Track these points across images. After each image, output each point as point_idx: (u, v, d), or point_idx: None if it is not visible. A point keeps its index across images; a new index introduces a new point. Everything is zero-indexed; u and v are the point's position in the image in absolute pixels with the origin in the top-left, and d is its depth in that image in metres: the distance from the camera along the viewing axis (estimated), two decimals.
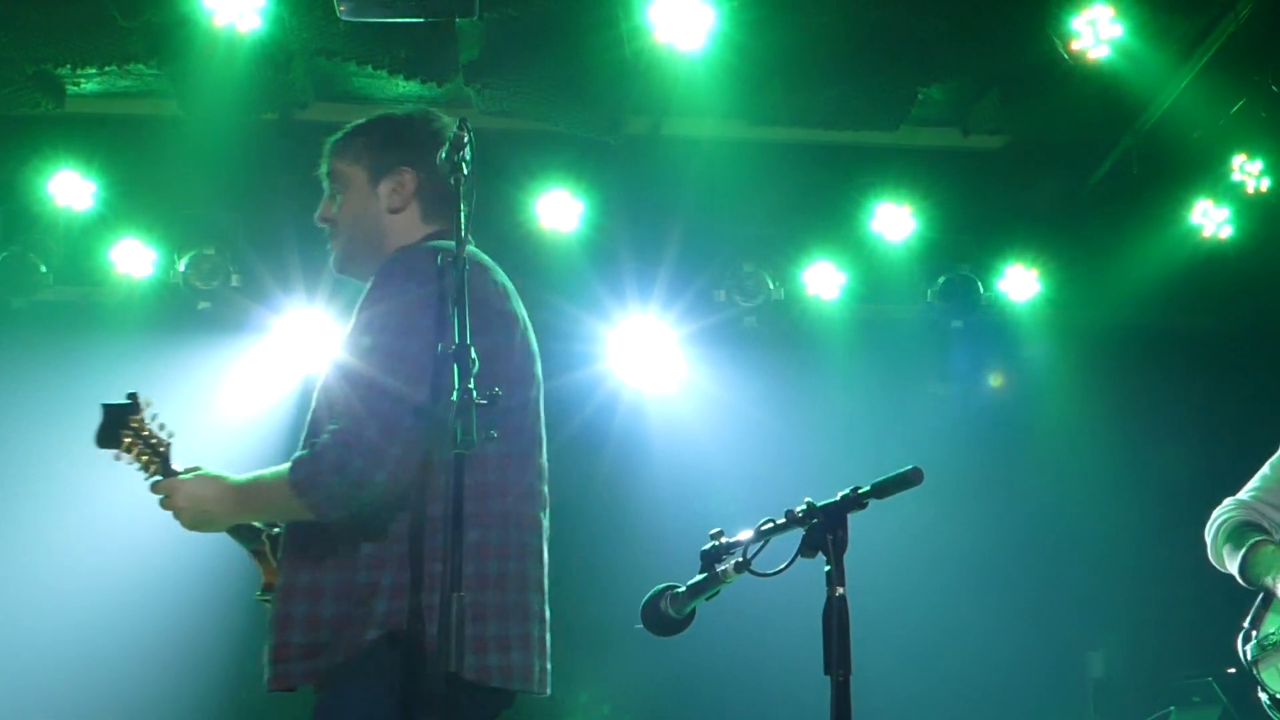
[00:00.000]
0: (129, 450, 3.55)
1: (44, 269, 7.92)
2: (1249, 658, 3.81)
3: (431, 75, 6.84)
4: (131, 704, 7.57)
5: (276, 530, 3.56)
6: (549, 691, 3.47)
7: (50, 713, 7.65)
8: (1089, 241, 8.24)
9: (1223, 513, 3.86)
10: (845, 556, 3.08)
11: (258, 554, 3.58)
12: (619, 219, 7.72)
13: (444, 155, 3.55)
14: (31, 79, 6.99)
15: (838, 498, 3.11)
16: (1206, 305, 7.97)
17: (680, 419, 8.46)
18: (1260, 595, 3.82)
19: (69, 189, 7.52)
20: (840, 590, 3.03)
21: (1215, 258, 7.73)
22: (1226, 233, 7.71)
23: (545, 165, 7.56)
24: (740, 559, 3.29)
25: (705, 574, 3.34)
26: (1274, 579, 3.65)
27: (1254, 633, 3.80)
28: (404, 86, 7.02)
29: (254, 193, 7.61)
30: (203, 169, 7.29)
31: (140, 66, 6.91)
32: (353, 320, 3.36)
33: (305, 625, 3.28)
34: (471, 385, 3.12)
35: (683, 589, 3.38)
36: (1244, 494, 3.87)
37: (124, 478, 3.65)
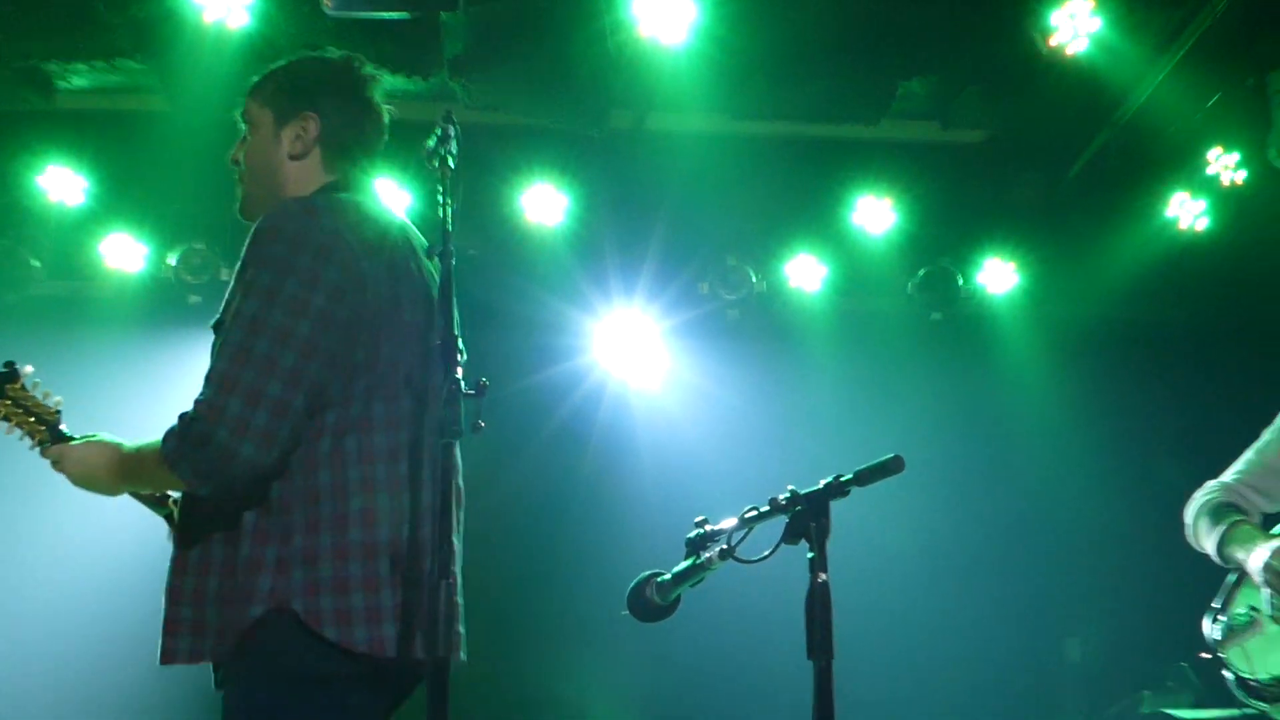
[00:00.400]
0: (8, 419, 3.51)
1: (35, 263, 7.94)
2: (1216, 638, 3.85)
3: (416, 70, 6.85)
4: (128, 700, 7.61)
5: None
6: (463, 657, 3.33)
7: (51, 708, 7.66)
8: (1067, 235, 8.27)
9: (1204, 494, 3.89)
10: (828, 543, 3.10)
11: (169, 520, 3.53)
12: (604, 213, 7.73)
13: (430, 145, 3.57)
14: (19, 74, 6.99)
15: (820, 486, 3.14)
16: (1183, 298, 7.99)
17: (665, 411, 8.47)
18: (1232, 577, 3.86)
19: (59, 184, 7.52)
20: (823, 576, 3.05)
21: (1192, 250, 7.77)
22: (1203, 225, 7.75)
23: (530, 159, 7.56)
24: (724, 546, 3.31)
25: (690, 561, 3.36)
26: (1247, 554, 3.66)
27: (1221, 615, 3.85)
28: (389, 81, 6.96)
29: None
30: (192, 164, 7.26)
31: (128, 62, 6.92)
32: (233, 281, 3.25)
33: (193, 599, 3.21)
34: (459, 376, 3.15)
35: (668, 576, 3.40)
36: (1228, 476, 3.90)
37: None
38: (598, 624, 7.54)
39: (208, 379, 3.13)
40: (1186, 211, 7.76)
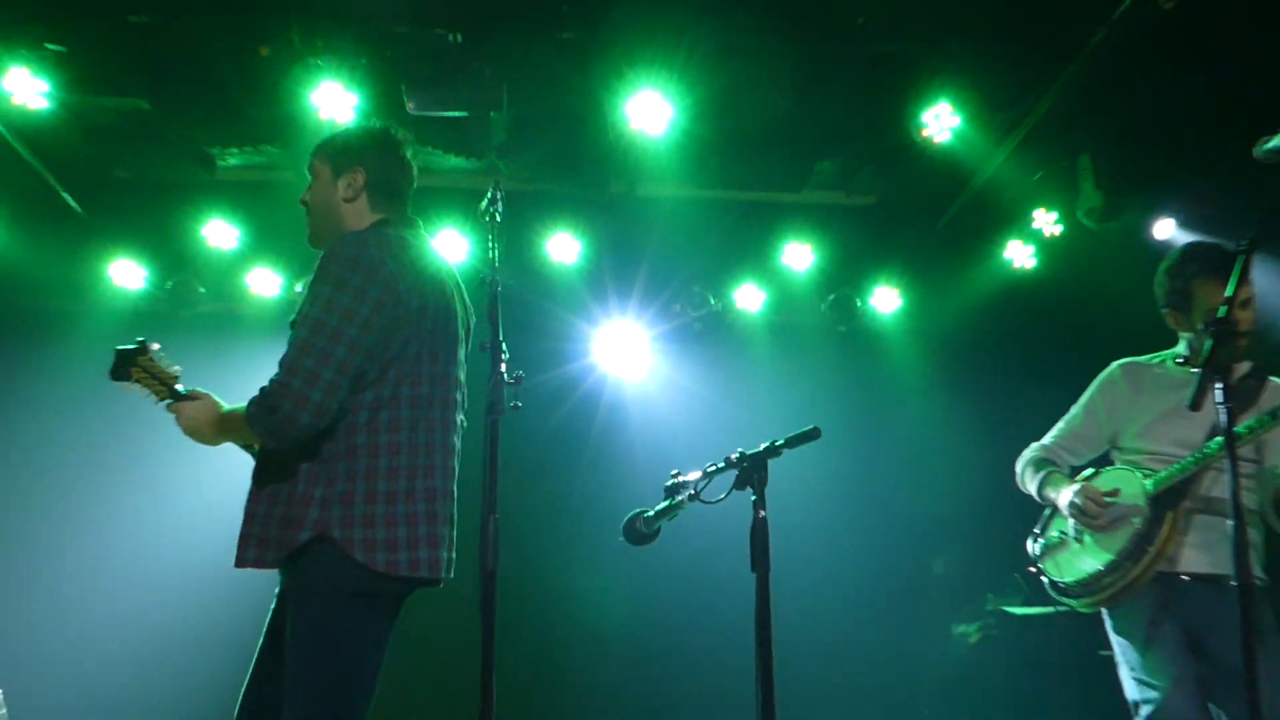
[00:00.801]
0: (138, 382, 3.49)
1: (201, 290, 7.96)
2: (1035, 554, 3.87)
3: (472, 152, 6.85)
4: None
5: None
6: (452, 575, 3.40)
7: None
8: (935, 271, 8.28)
9: (1029, 452, 3.90)
10: (765, 490, 3.14)
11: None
12: (605, 253, 7.77)
13: (483, 206, 3.59)
14: (191, 156, 6.98)
15: (760, 448, 3.22)
16: (1015, 316, 8.01)
17: (650, 397, 8.49)
18: (1047, 511, 3.87)
19: (218, 234, 7.53)
20: (762, 513, 3.13)
21: (1022, 282, 7.78)
22: (1030, 264, 7.75)
23: (554, 216, 7.58)
24: (692, 491, 3.35)
25: (667, 502, 3.39)
26: (1058, 494, 3.69)
27: (1040, 537, 3.86)
28: (453, 160, 7.03)
29: None
30: None
31: (268, 147, 6.92)
32: (310, 288, 3.29)
33: (262, 521, 3.24)
34: (503, 369, 3.19)
35: (651, 513, 3.44)
36: (1045, 440, 3.90)
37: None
38: (601, 552, 7.53)
39: (281, 364, 3.21)
40: (1019, 254, 7.76)
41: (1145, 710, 3.40)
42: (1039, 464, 3.85)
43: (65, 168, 7.10)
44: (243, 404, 3.28)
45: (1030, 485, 3.87)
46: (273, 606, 3.40)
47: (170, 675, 7.44)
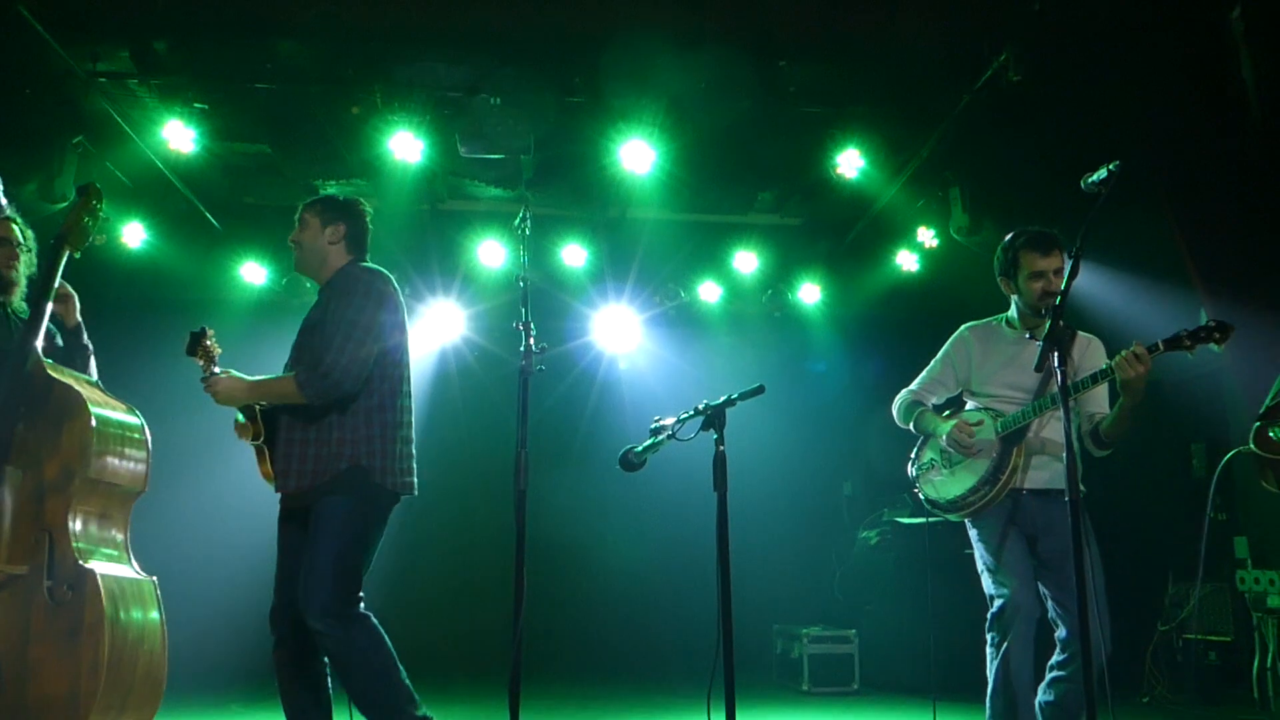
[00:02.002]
0: (201, 358, 3.44)
1: (308, 285, 7.89)
2: (913, 475, 3.81)
3: (508, 185, 6.85)
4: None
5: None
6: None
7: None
8: (845, 272, 8.28)
9: (901, 395, 3.83)
10: (724, 431, 3.15)
11: (259, 452, 3.45)
12: (606, 258, 7.75)
13: (516, 224, 3.58)
14: (299, 187, 6.96)
15: (720, 400, 3.21)
16: (902, 305, 8.02)
17: (637, 366, 8.50)
18: (920, 440, 3.81)
19: None
20: (721, 448, 3.13)
21: (907, 281, 7.78)
22: (914, 268, 7.75)
23: (568, 232, 7.57)
24: (670, 432, 3.35)
25: (651, 440, 3.40)
26: (933, 429, 3.65)
27: (915, 462, 3.81)
28: (493, 191, 7.02)
29: (416, 246, 7.58)
30: (391, 232, 7.25)
31: (358, 180, 6.89)
32: (336, 299, 3.35)
33: (299, 458, 3.30)
34: (531, 342, 3.22)
35: (640, 448, 3.43)
36: (913, 385, 3.82)
37: None
38: (603, 478, 7.56)
39: (328, 347, 3.26)
40: (906, 261, 7.74)
41: (998, 602, 3.36)
42: (911, 405, 3.78)
43: (207, 195, 7.08)
44: (275, 374, 3.39)
45: (905, 422, 3.80)
46: (282, 537, 3.42)
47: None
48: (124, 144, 6.12)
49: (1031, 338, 3.48)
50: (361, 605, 3.24)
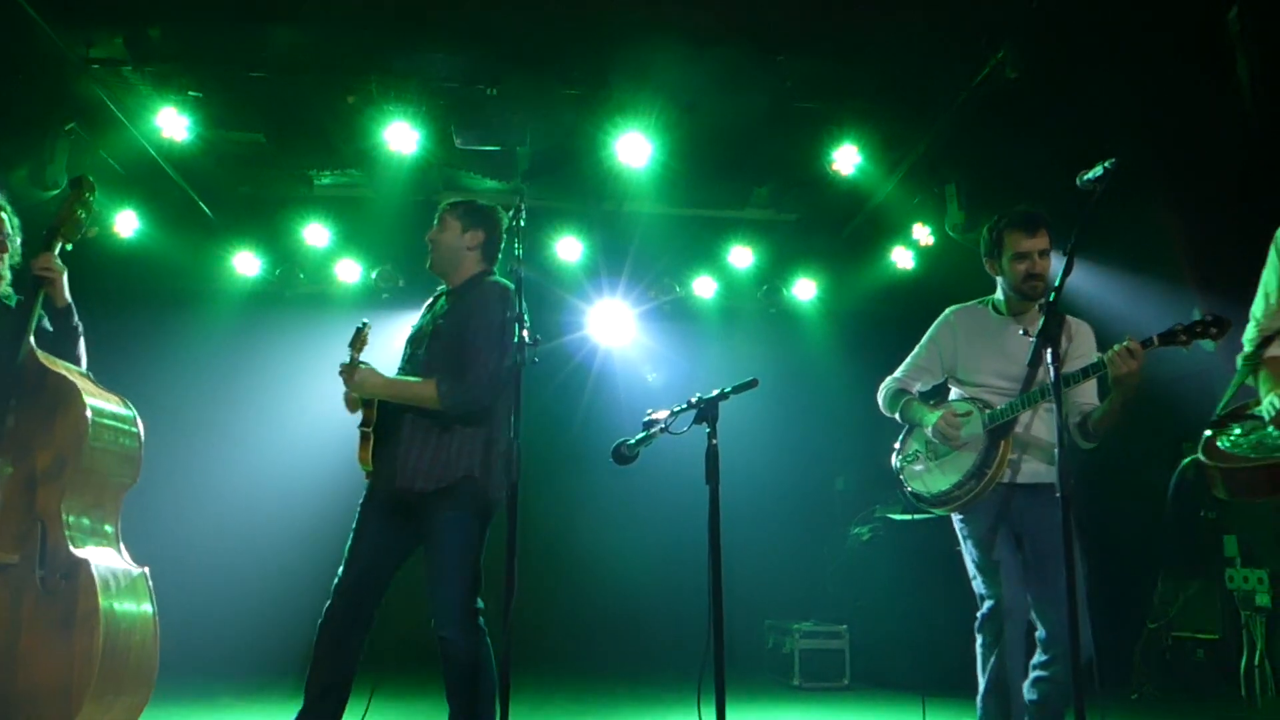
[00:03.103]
0: (357, 349, 3.50)
1: (301, 276, 7.90)
2: (897, 467, 3.72)
3: (503, 177, 6.83)
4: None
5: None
6: None
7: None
8: (841, 268, 8.29)
9: (886, 383, 3.77)
10: (717, 425, 3.15)
11: (364, 437, 3.50)
12: (601, 252, 7.73)
13: (510, 216, 3.57)
14: (295, 177, 6.96)
15: (713, 394, 3.20)
16: (898, 300, 8.01)
17: (631, 359, 8.50)
18: (905, 430, 3.73)
19: (314, 235, 7.46)
20: (714, 441, 3.12)
21: (903, 278, 7.79)
22: (910, 264, 7.75)
23: (563, 225, 7.56)
24: (663, 425, 3.34)
25: (644, 433, 3.38)
26: (919, 419, 3.58)
27: (901, 452, 3.73)
28: (489, 182, 6.99)
29: (412, 237, 7.55)
30: (386, 223, 7.27)
31: (353, 171, 6.87)
32: (478, 313, 3.44)
33: (430, 462, 3.38)
34: (524, 334, 3.24)
35: (632, 441, 3.42)
36: (897, 373, 3.76)
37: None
38: (591, 487, 7.60)
39: (474, 361, 3.39)
40: (901, 258, 7.76)
41: (989, 604, 3.33)
42: (897, 393, 3.71)
43: (201, 184, 7.04)
44: (412, 378, 3.48)
45: (891, 411, 3.73)
46: (366, 521, 3.50)
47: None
48: (117, 131, 6.08)
49: (1022, 328, 3.42)
50: (481, 619, 3.39)
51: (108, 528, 3.24)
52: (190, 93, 5.83)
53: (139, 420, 3.38)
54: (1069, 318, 3.49)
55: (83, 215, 3.42)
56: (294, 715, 3.37)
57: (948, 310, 3.72)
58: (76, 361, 3.41)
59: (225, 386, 7.86)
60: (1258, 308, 3.13)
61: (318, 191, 7.36)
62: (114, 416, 3.28)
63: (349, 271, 7.83)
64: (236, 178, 7.16)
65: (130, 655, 3.03)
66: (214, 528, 7.44)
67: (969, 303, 3.69)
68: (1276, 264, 3.08)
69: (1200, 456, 3.04)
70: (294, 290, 7.94)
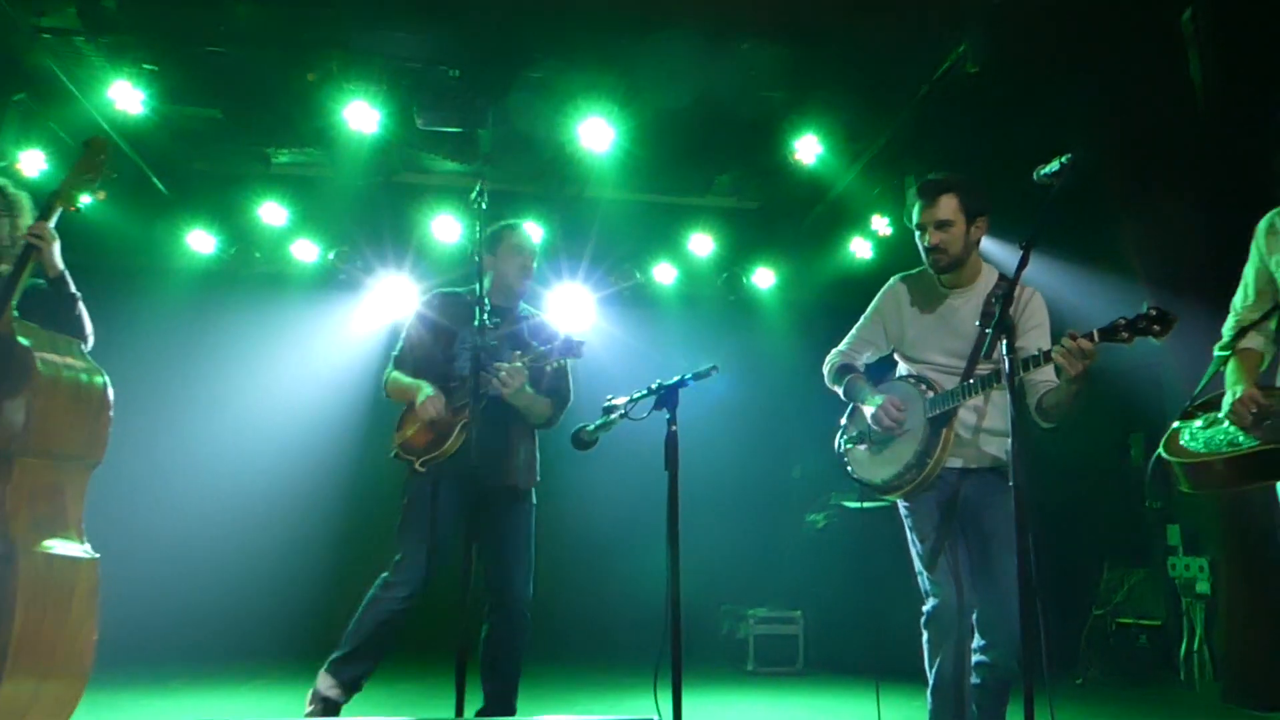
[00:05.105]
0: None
1: (258, 255, 7.79)
2: (841, 449, 3.61)
3: (465, 159, 6.76)
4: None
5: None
6: None
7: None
8: (801, 257, 8.34)
9: (831, 358, 3.68)
10: (676, 411, 3.15)
11: (463, 429, 3.72)
12: (562, 236, 7.69)
13: (472, 198, 3.56)
14: (252, 154, 6.85)
15: (673, 380, 3.19)
16: (856, 291, 8.02)
17: (590, 345, 8.42)
18: (851, 407, 3.61)
19: (271, 213, 7.33)
20: (674, 427, 3.12)
21: (860, 267, 7.83)
22: (868, 254, 7.80)
23: (524, 208, 7.47)
24: (623, 411, 3.34)
25: (603, 419, 3.39)
26: (862, 400, 3.48)
27: (845, 432, 3.61)
28: (450, 165, 6.93)
29: (371, 217, 7.50)
30: (344, 203, 7.19)
31: (311, 149, 6.78)
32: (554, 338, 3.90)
33: (525, 462, 3.96)
34: (485, 318, 3.20)
35: (592, 426, 3.43)
36: (842, 345, 3.67)
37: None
38: (549, 471, 7.53)
39: (568, 393, 4.16)
40: (860, 248, 7.81)
41: (933, 602, 3.25)
42: (842, 369, 3.60)
43: (155, 159, 6.91)
44: (540, 396, 3.96)
45: (836, 388, 3.63)
46: (444, 512, 3.74)
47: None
48: (68, 103, 5.94)
49: (967, 305, 3.33)
50: None
51: (64, 511, 3.09)
52: (145, 66, 5.70)
53: (109, 394, 3.23)
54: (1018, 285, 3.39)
55: (89, 180, 3.33)
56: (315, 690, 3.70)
57: (893, 279, 3.62)
58: (77, 330, 3.30)
59: (177, 367, 7.73)
60: (1237, 299, 3.17)
61: (275, 170, 7.25)
62: (75, 392, 3.11)
63: (306, 252, 7.72)
64: (192, 153, 7.03)
65: (59, 646, 2.92)
66: (166, 513, 7.32)
67: (915, 270, 3.58)
68: (1255, 256, 3.11)
69: (1163, 453, 3.08)
70: (249, 270, 7.81)
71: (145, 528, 7.10)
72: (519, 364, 3.71)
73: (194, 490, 7.45)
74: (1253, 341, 3.10)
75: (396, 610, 3.68)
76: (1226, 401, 2.97)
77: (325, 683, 3.69)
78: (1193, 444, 3.04)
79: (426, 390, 3.80)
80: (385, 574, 3.77)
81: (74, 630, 2.99)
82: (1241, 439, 2.92)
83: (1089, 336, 2.83)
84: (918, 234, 3.38)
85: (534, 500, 3.94)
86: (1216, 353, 3.15)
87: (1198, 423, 3.07)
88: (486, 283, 3.84)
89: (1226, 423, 2.96)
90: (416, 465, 3.75)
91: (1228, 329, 3.16)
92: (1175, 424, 3.14)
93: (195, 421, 7.68)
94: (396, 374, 4.03)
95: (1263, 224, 3.11)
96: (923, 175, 6.77)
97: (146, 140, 6.61)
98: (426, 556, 3.66)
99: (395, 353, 4.10)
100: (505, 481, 3.77)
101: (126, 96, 5.75)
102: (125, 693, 5.46)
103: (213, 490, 7.46)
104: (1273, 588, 5.15)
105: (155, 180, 7.05)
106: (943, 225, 3.31)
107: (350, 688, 3.71)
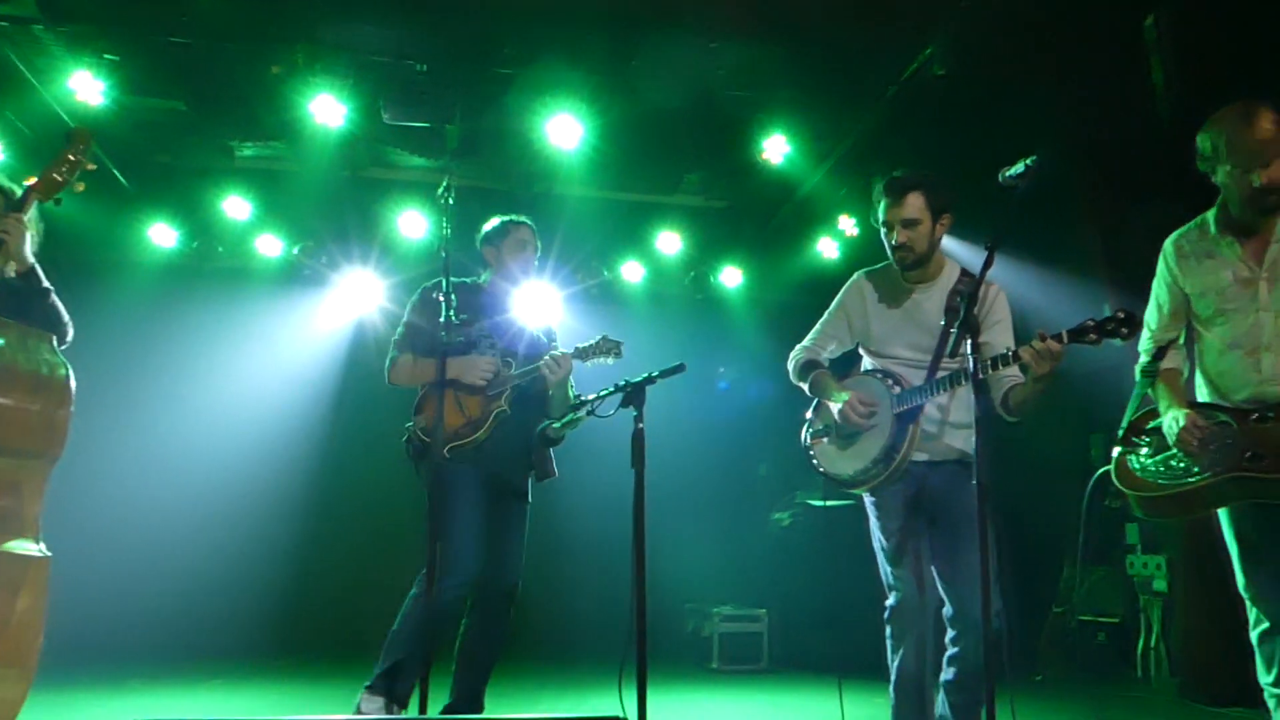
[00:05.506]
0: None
1: (220, 249, 7.69)
2: (806, 442, 3.61)
3: (432, 154, 6.71)
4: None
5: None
6: None
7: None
8: (768, 256, 8.36)
9: (796, 353, 3.68)
10: (644, 408, 3.14)
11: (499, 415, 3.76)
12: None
13: (439, 193, 3.54)
14: (216, 147, 6.75)
15: (640, 377, 3.18)
16: (822, 291, 8.04)
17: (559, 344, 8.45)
18: (816, 401, 3.60)
19: (235, 207, 7.25)
20: (640, 425, 3.11)
21: (828, 267, 7.87)
22: (834, 254, 7.84)
23: (492, 206, 7.38)
24: (590, 409, 3.33)
25: (570, 415, 3.38)
26: (828, 396, 3.48)
27: (811, 426, 3.61)
28: (417, 160, 6.88)
29: (336, 212, 7.43)
30: (309, 198, 7.11)
31: (276, 143, 6.69)
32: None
33: (540, 455, 3.91)
34: (451, 314, 3.18)
35: (559, 424, 3.43)
36: (806, 341, 3.68)
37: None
38: None
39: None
40: (827, 248, 7.85)
41: (895, 596, 3.30)
42: (807, 365, 3.60)
43: (117, 151, 6.79)
44: None
45: (801, 383, 3.62)
46: (479, 508, 3.70)
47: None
48: (27, 93, 5.82)
49: (930, 301, 3.36)
50: None
51: (24, 508, 3.00)
52: (106, 56, 5.59)
53: (70, 390, 3.15)
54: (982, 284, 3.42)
55: (66, 171, 3.23)
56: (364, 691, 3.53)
57: (857, 274, 3.64)
58: (51, 323, 3.23)
59: (138, 362, 7.61)
60: (1151, 318, 3.23)
61: (239, 163, 7.15)
62: (34, 386, 3.01)
63: (270, 246, 7.64)
64: (154, 146, 6.92)
65: (2, 646, 2.85)
66: (128, 510, 7.21)
67: (879, 265, 3.60)
68: (1167, 278, 3.19)
69: (1115, 482, 3.11)
70: (212, 264, 7.72)
71: (106, 525, 7.01)
72: (567, 351, 3.76)
73: (155, 487, 7.34)
74: (1173, 361, 3.18)
75: (449, 600, 3.48)
76: (1170, 430, 3.00)
77: (372, 705, 3.44)
78: (1144, 475, 3.06)
79: (466, 359, 3.75)
80: (422, 572, 3.50)
81: (18, 630, 2.89)
82: (1188, 468, 2.95)
83: (1058, 337, 2.87)
84: (884, 231, 3.40)
85: (530, 498, 3.92)
86: (1139, 375, 3.19)
87: (1144, 450, 3.10)
88: (485, 277, 3.85)
89: (1175, 450, 2.99)
90: (444, 451, 3.57)
91: (1145, 349, 3.21)
92: (1117, 450, 3.17)
93: (156, 418, 7.56)
94: (406, 356, 3.88)
95: (1170, 245, 3.20)
96: (889, 175, 6.89)
97: (107, 132, 6.47)
98: (474, 541, 3.55)
99: (398, 338, 3.94)
100: (524, 474, 3.78)
101: (87, 87, 5.65)
102: (83, 693, 5.36)
103: (175, 487, 7.36)
104: (1226, 586, 5.22)
105: (116, 173, 6.94)
106: (909, 224, 3.33)
107: (404, 701, 3.46)
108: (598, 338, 3.79)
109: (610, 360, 3.80)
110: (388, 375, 3.91)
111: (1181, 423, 2.97)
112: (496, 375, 3.73)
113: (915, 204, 3.33)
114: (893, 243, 3.36)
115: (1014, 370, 3.18)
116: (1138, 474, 3.08)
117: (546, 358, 3.72)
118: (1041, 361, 2.91)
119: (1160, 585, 5.78)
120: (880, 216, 3.40)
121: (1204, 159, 3.04)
